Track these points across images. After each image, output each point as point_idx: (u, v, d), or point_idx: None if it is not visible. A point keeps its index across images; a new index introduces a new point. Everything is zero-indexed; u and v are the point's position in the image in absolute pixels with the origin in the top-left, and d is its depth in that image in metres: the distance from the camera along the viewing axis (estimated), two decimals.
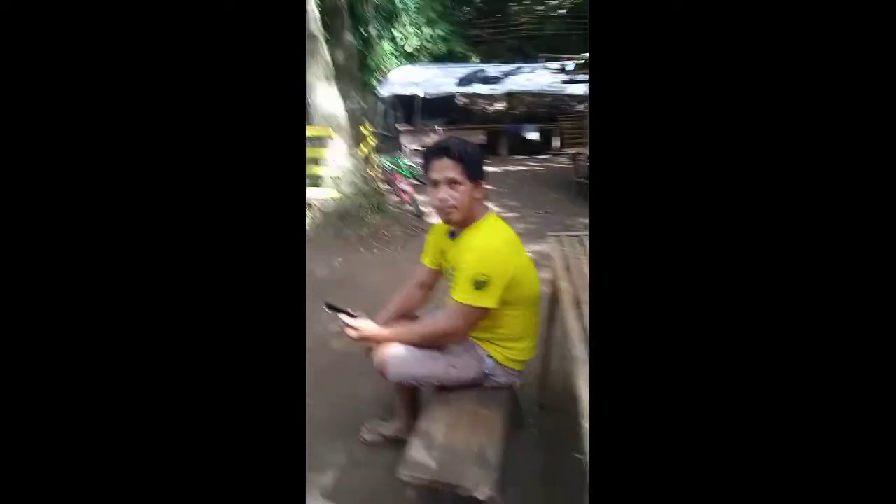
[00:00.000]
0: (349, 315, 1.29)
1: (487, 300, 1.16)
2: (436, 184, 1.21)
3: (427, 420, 1.18)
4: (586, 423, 0.66)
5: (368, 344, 1.31)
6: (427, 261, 1.46)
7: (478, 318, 1.20)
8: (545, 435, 1.61)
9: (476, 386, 1.30)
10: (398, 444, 1.49)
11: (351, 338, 1.29)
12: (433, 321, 1.34)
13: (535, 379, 1.71)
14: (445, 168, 1.19)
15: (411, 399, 1.47)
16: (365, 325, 1.28)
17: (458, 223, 1.26)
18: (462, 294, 1.17)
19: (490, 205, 1.36)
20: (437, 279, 1.48)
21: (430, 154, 1.24)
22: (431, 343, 1.27)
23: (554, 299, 1.61)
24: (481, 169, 1.25)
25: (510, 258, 1.20)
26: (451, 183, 1.19)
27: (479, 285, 1.14)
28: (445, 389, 1.29)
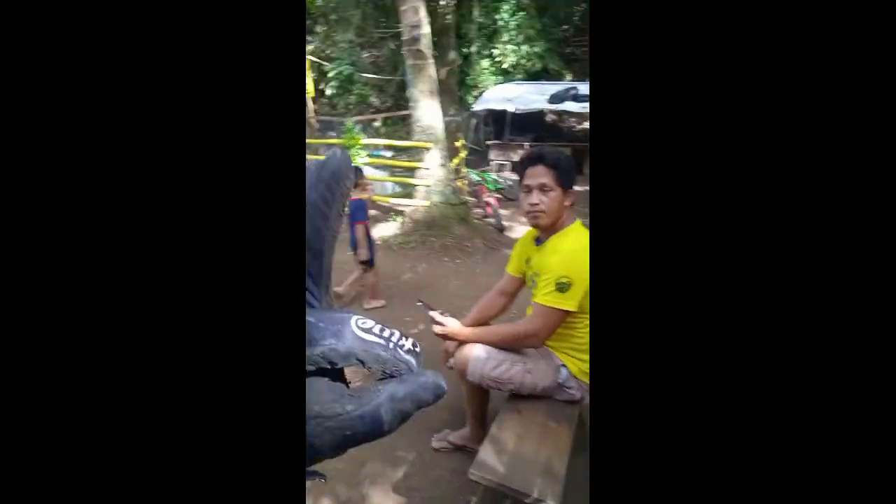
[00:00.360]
0: (438, 313, 1.41)
1: (568, 303, 1.19)
2: (528, 189, 1.28)
3: (499, 427, 1.24)
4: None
5: (452, 341, 1.40)
6: (511, 269, 1.51)
7: (558, 321, 1.23)
8: None
9: (547, 398, 1.33)
10: (464, 451, 1.58)
11: (437, 333, 1.40)
12: (514, 324, 1.39)
13: None
14: (539, 174, 1.26)
15: (481, 409, 1.53)
16: (451, 323, 1.38)
17: (546, 228, 1.31)
18: (544, 296, 1.22)
19: None
20: (519, 288, 1.53)
21: (525, 161, 1.32)
22: (511, 345, 1.32)
23: None
24: (572, 178, 1.29)
25: None
26: (543, 189, 1.26)
27: (562, 287, 1.18)
28: (517, 399, 1.34)
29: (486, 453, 1.13)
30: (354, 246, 2.85)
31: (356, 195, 2.87)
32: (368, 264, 2.92)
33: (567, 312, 1.21)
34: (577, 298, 1.20)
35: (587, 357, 1.31)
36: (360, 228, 2.81)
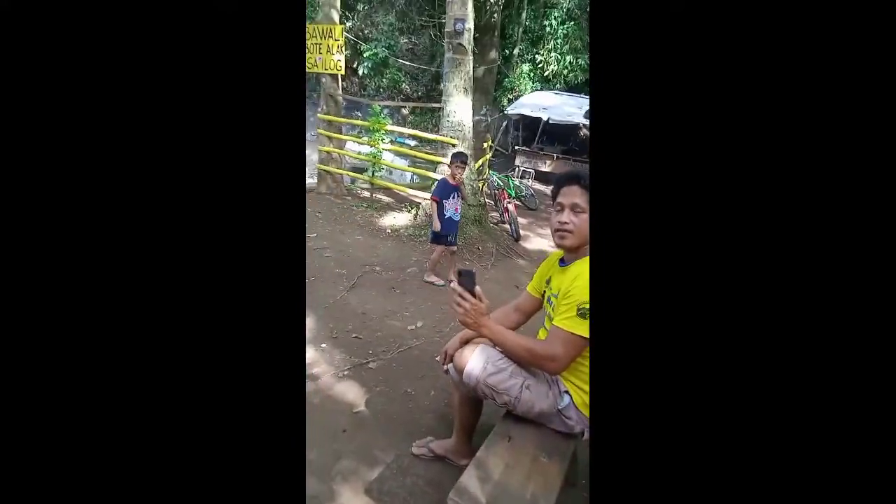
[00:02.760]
0: (472, 294, 1.17)
1: (588, 330, 1.10)
2: (561, 208, 1.24)
3: (486, 452, 1.15)
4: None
5: (461, 335, 1.34)
6: (531, 288, 1.47)
7: (579, 348, 1.14)
8: None
9: (541, 426, 1.25)
10: (444, 461, 1.51)
11: (457, 312, 1.19)
12: (537, 341, 1.26)
13: None
14: (573, 194, 1.21)
15: (470, 421, 1.46)
16: (478, 308, 1.17)
17: (571, 249, 1.25)
18: (564, 320, 1.13)
19: None
20: (535, 309, 1.47)
21: (562, 180, 1.27)
22: (528, 360, 1.20)
23: None
24: None
25: None
26: (575, 209, 1.21)
27: (584, 314, 1.10)
28: (511, 423, 1.26)
29: (469, 479, 1.05)
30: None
31: (444, 175, 3.36)
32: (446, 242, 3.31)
33: (586, 340, 1.13)
34: None
35: None
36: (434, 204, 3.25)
